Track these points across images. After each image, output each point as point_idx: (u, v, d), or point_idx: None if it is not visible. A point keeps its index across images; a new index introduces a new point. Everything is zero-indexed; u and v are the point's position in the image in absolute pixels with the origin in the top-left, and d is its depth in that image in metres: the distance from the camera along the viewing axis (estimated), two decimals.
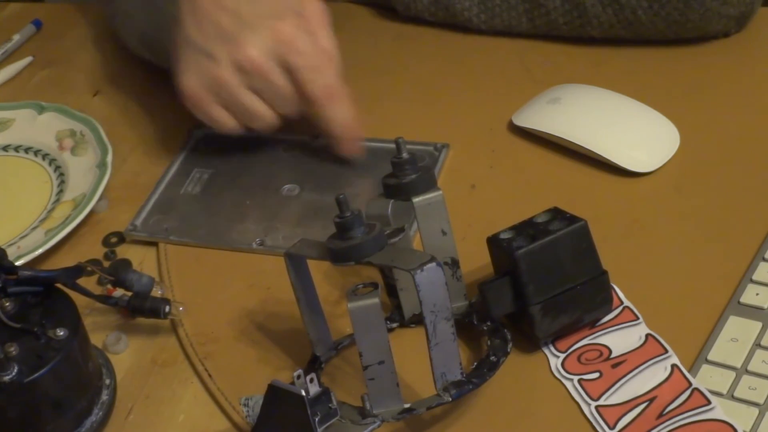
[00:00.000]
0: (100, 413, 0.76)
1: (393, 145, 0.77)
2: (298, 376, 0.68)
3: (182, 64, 0.90)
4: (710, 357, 0.74)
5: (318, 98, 0.89)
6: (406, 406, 0.70)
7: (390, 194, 0.78)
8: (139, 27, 0.98)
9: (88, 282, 0.83)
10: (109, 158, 0.95)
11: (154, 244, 0.90)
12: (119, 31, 1.04)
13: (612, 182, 0.89)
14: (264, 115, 0.90)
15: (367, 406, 0.70)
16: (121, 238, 0.91)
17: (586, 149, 0.90)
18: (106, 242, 0.91)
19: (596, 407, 0.72)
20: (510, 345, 0.75)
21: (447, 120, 0.98)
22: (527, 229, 0.76)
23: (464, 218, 0.85)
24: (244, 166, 0.95)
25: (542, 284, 0.74)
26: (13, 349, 0.71)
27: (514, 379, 0.75)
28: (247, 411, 0.72)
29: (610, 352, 0.76)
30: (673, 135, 0.91)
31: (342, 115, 0.90)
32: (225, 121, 0.91)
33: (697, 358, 0.74)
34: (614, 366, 0.75)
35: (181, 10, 0.90)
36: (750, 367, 0.73)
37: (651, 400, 0.72)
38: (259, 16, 0.88)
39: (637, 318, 0.78)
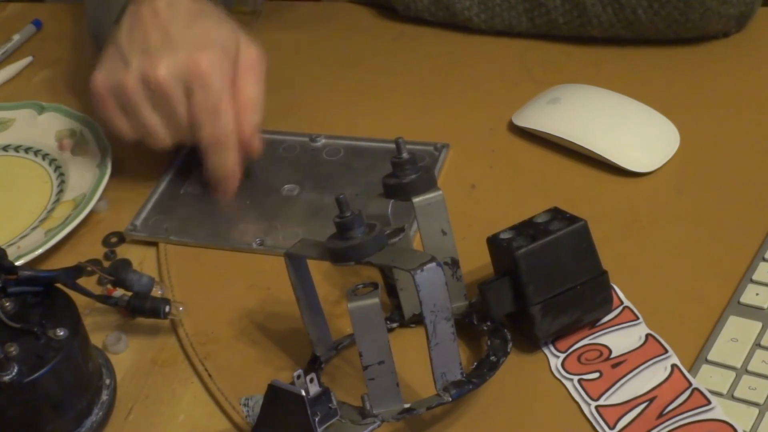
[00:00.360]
0: (100, 413, 0.76)
1: (393, 145, 0.77)
2: (298, 376, 0.68)
3: (102, 60, 0.91)
4: (710, 357, 0.74)
5: (203, 141, 0.88)
6: (406, 406, 0.70)
7: (390, 194, 0.78)
8: (92, 23, 1.00)
9: (88, 282, 0.83)
10: (109, 158, 0.95)
11: (154, 244, 0.90)
12: (87, 20, 1.05)
13: (612, 182, 0.89)
14: (157, 132, 0.89)
15: (367, 406, 0.70)
16: (121, 238, 0.91)
17: (586, 149, 0.90)
18: (106, 242, 0.91)
19: (596, 407, 0.72)
20: (510, 345, 0.75)
21: (447, 120, 0.98)
22: (527, 229, 0.76)
23: (464, 218, 0.85)
24: (243, 166, 0.95)
25: (542, 284, 0.74)
26: (13, 349, 0.71)
27: (514, 379, 0.75)
28: (247, 411, 0.72)
29: (610, 352, 0.76)
30: (673, 135, 0.91)
31: (219, 166, 0.89)
32: (120, 126, 0.90)
33: (697, 358, 0.74)
34: (614, 366, 0.75)
35: (125, 13, 0.91)
36: (750, 367, 0.73)
37: (651, 400, 0.72)
38: (185, 41, 0.88)
39: (637, 318, 0.78)
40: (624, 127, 0.91)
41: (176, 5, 0.90)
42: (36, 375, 0.71)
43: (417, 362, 0.73)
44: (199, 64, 0.86)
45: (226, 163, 0.89)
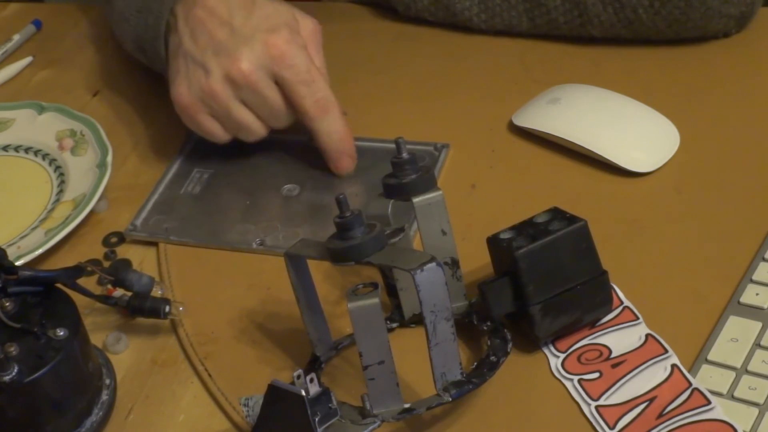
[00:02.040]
0: (100, 413, 0.76)
1: (393, 145, 0.77)
2: (298, 376, 0.68)
3: (175, 73, 0.91)
4: (710, 357, 0.74)
5: (309, 111, 0.89)
6: (406, 406, 0.70)
7: (390, 194, 0.78)
8: (133, 31, 0.99)
9: (88, 282, 0.83)
10: (109, 158, 0.95)
11: (154, 244, 0.90)
12: (115, 32, 1.05)
13: (612, 182, 0.89)
14: (254, 127, 0.91)
15: (367, 406, 0.70)
16: (121, 238, 0.91)
17: (586, 149, 0.90)
18: (106, 242, 0.91)
19: (596, 407, 0.72)
20: (510, 345, 0.75)
21: (447, 120, 0.98)
22: (527, 229, 0.76)
23: (464, 218, 0.85)
24: (244, 166, 0.95)
25: (542, 284, 0.74)
26: (13, 349, 0.71)
27: (514, 379, 0.75)
28: (247, 411, 0.72)
29: (610, 352, 0.76)
30: (673, 135, 0.91)
31: (333, 128, 0.90)
32: (215, 131, 0.91)
33: (697, 358, 0.74)
34: (614, 366, 0.75)
35: (176, 18, 0.91)
36: (750, 367, 0.73)
37: (651, 400, 0.72)
38: (252, 29, 0.88)
39: (637, 318, 0.78)
40: (624, 127, 0.91)
41: None
42: (36, 375, 0.71)
43: (417, 362, 0.73)
44: (278, 46, 0.87)
45: (339, 126, 0.90)
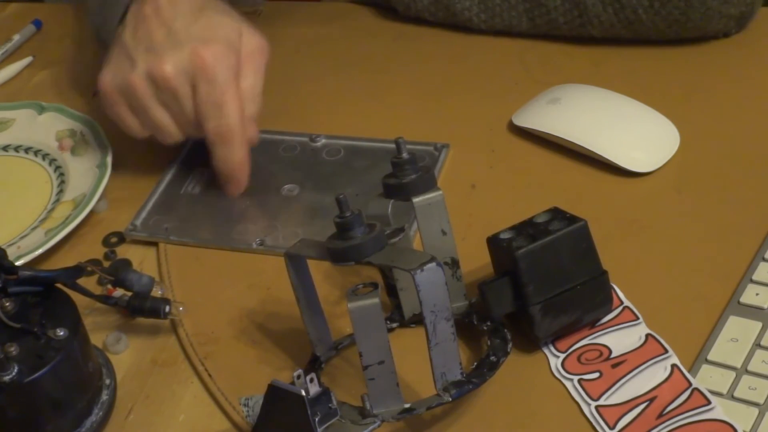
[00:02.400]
0: (100, 413, 0.76)
1: (393, 145, 0.77)
2: (298, 376, 0.68)
3: (108, 60, 0.91)
4: (710, 357, 0.74)
5: (208, 135, 0.89)
6: (406, 406, 0.70)
7: (390, 194, 0.78)
8: (95, 25, 1.00)
9: (88, 282, 0.83)
10: (109, 158, 0.95)
11: (154, 244, 0.90)
12: (89, 20, 1.05)
13: (612, 182, 0.89)
14: (169, 129, 0.90)
15: (367, 406, 0.70)
16: (121, 238, 0.91)
17: (586, 149, 0.90)
18: (106, 242, 0.91)
19: (596, 407, 0.72)
20: (510, 345, 0.75)
21: (447, 120, 0.98)
22: (527, 229, 0.76)
23: (464, 218, 0.85)
24: None
25: (542, 284, 0.74)
26: (13, 349, 0.71)
27: (514, 379, 0.75)
28: (247, 411, 0.72)
29: (610, 352, 0.76)
30: (673, 135, 0.91)
31: (226, 159, 0.89)
32: (130, 123, 0.91)
33: (697, 358, 0.74)
34: (614, 366, 0.75)
35: (129, 11, 0.92)
36: (750, 367, 0.73)
37: (651, 400, 0.72)
38: (189, 36, 0.88)
39: (637, 318, 0.78)
40: (624, 127, 0.91)
41: (178, 2, 0.90)
42: (36, 375, 0.71)
43: (417, 362, 0.73)
44: (204, 58, 0.87)
45: (234, 157, 0.89)
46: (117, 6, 0.94)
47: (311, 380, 0.67)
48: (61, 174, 0.97)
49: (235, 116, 0.88)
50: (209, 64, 0.87)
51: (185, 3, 0.90)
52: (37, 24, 1.18)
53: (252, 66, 0.89)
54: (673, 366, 0.74)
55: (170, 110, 0.89)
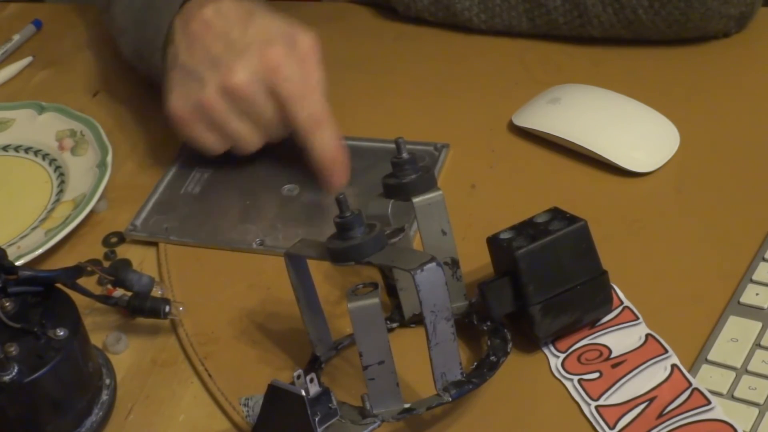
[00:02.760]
0: (100, 413, 0.76)
1: (393, 145, 0.77)
2: (298, 376, 0.68)
3: (171, 85, 0.90)
4: (710, 357, 0.74)
5: (302, 126, 0.88)
6: (406, 406, 0.70)
7: (390, 194, 0.78)
8: (132, 43, 0.99)
9: (88, 282, 0.83)
10: (109, 158, 0.95)
11: (154, 244, 0.90)
12: (114, 40, 1.05)
13: (612, 182, 0.89)
14: (249, 138, 0.90)
15: (367, 406, 0.70)
16: (121, 238, 0.91)
17: (586, 149, 0.90)
18: (106, 242, 0.91)
19: (596, 407, 0.72)
20: (510, 345, 0.75)
21: (447, 120, 0.98)
22: (527, 229, 0.76)
23: (464, 218, 0.85)
24: (244, 166, 0.95)
25: (542, 284, 0.74)
26: (13, 349, 0.71)
27: (514, 379, 0.75)
28: (247, 411, 0.72)
29: (610, 352, 0.76)
30: (673, 135, 0.91)
31: (326, 144, 0.89)
32: (210, 143, 0.91)
33: (697, 358, 0.74)
34: (614, 366, 0.75)
35: (173, 31, 0.91)
36: (750, 367, 0.73)
37: (651, 400, 0.72)
38: (249, 42, 0.88)
39: (637, 318, 0.78)
40: (624, 127, 0.91)
41: (224, 11, 0.90)
42: (36, 375, 0.71)
43: (417, 362, 0.73)
44: (271, 59, 0.87)
45: (332, 140, 0.89)
46: (158, 26, 0.93)
47: (311, 380, 0.67)
48: (61, 174, 0.97)
49: (322, 101, 0.88)
50: (279, 62, 0.87)
51: (233, 12, 0.90)
52: (37, 24, 1.18)
53: (313, 60, 0.90)
54: (673, 366, 0.74)
55: (250, 118, 0.89)
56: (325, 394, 0.68)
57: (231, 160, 0.94)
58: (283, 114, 0.88)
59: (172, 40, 0.91)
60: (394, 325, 0.80)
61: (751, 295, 0.77)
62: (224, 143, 0.91)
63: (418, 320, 0.77)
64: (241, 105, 0.88)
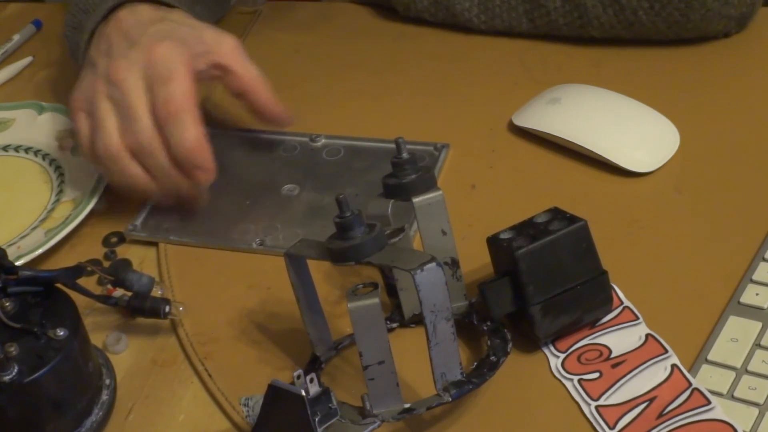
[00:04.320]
0: (100, 413, 0.76)
1: (393, 145, 0.77)
2: (298, 376, 0.68)
3: (79, 79, 0.91)
4: (710, 357, 0.74)
5: (159, 111, 0.85)
6: (406, 406, 0.70)
7: (390, 194, 0.78)
8: (69, 48, 1.00)
9: (88, 282, 0.83)
10: None
11: (154, 244, 0.90)
12: None
13: (612, 182, 0.89)
14: (108, 127, 0.86)
15: (367, 406, 0.70)
16: (121, 238, 0.91)
17: (586, 149, 0.90)
18: (106, 242, 0.91)
19: (596, 407, 0.72)
20: (510, 345, 0.75)
21: (447, 120, 0.98)
22: (527, 229, 0.76)
23: (464, 218, 0.85)
24: (244, 166, 0.95)
25: (542, 284, 0.74)
26: (13, 349, 0.71)
27: (514, 379, 0.75)
28: (247, 411, 0.72)
29: (610, 352, 0.76)
30: (673, 135, 0.91)
31: (182, 136, 0.84)
32: (80, 127, 0.89)
33: (697, 358, 0.74)
34: (614, 366, 0.75)
35: (94, 33, 0.92)
36: (750, 367, 0.73)
37: (651, 400, 0.72)
38: (145, 36, 0.88)
39: (637, 318, 0.78)
40: (624, 127, 0.91)
41: (138, 12, 0.91)
42: (36, 375, 0.71)
43: (417, 362, 0.73)
44: (156, 52, 0.86)
45: (188, 132, 0.84)
46: (84, 30, 0.94)
47: (311, 380, 0.67)
48: (61, 174, 0.97)
49: (187, 90, 0.85)
50: (160, 56, 0.86)
51: (145, 13, 0.91)
52: (37, 24, 1.18)
53: (240, 60, 0.89)
54: (673, 366, 0.74)
55: (117, 106, 0.86)
56: (325, 394, 0.68)
57: (233, 156, 0.94)
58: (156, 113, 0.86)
59: (90, 44, 0.92)
60: (394, 325, 0.80)
61: (751, 295, 0.77)
62: (94, 135, 0.88)
63: (418, 320, 0.77)
64: (113, 90, 0.87)
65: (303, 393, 0.67)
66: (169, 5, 0.93)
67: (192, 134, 0.85)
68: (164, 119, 0.85)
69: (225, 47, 0.89)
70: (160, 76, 0.85)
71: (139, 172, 0.87)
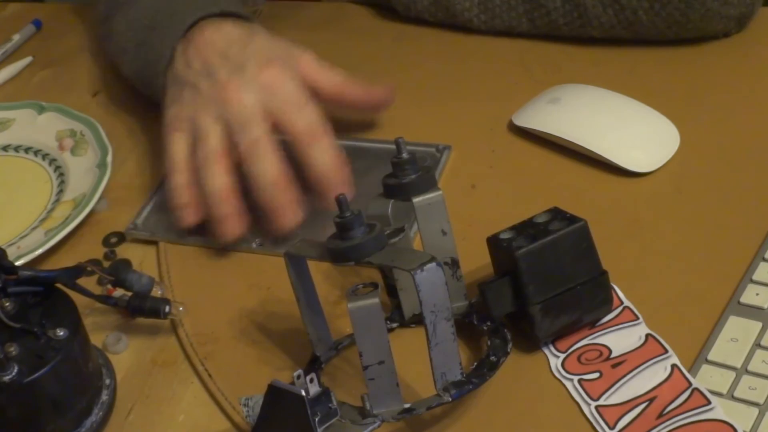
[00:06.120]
0: (100, 413, 0.76)
1: (393, 146, 0.77)
2: (298, 376, 0.68)
3: (168, 101, 0.91)
4: (710, 357, 0.74)
5: (299, 139, 0.86)
6: (406, 406, 0.70)
7: (390, 194, 0.78)
8: (133, 64, 0.99)
9: (88, 282, 0.83)
10: (109, 158, 0.95)
11: (154, 244, 0.90)
12: (113, 57, 1.04)
13: (612, 182, 0.89)
14: (212, 141, 0.86)
15: (367, 406, 0.70)
16: (121, 238, 0.91)
17: (586, 149, 0.90)
18: (106, 242, 0.91)
19: (596, 407, 0.72)
20: (510, 345, 0.75)
21: (447, 120, 0.98)
22: (527, 229, 0.76)
23: (464, 218, 0.85)
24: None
25: (542, 284, 0.74)
26: (13, 349, 0.71)
27: (514, 379, 0.75)
28: (247, 411, 0.72)
29: (610, 352, 0.76)
30: (673, 135, 0.91)
31: (323, 157, 0.86)
32: (175, 146, 0.88)
33: (697, 358, 0.74)
34: (614, 366, 0.75)
35: (176, 53, 0.92)
36: (750, 367, 0.73)
37: (651, 400, 0.72)
38: (247, 58, 0.88)
39: (637, 318, 0.78)
40: (624, 127, 0.91)
41: (225, 31, 0.91)
42: (36, 375, 0.71)
43: (417, 362, 0.73)
44: (268, 76, 0.87)
45: (329, 153, 0.86)
46: (161, 50, 0.93)
47: (311, 380, 0.67)
48: (61, 174, 0.97)
49: (317, 114, 0.87)
50: (276, 80, 0.87)
51: (234, 32, 0.91)
52: (37, 24, 1.18)
53: (320, 70, 0.90)
54: (673, 366, 0.74)
55: (229, 124, 0.86)
56: (325, 394, 0.68)
57: None
58: (277, 128, 0.86)
59: (172, 61, 0.92)
60: (394, 325, 0.80)
61: (751, 295, 0.77)
62: (196, 147, 0.87)
63: (418, 320, 0.77)
64: (226, 113, 0.86)
65: (303, 393, 0.67)
66: (245, 18, 0.93)
67: (335, 153, 0.86)
68: (305, 143, 0.86)
69: (309, 62, 0.90)
70: (289, 108, 0.86)
71: (227, 181, 0.86)
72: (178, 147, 0.88)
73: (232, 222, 0.86)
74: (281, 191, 0.85)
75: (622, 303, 0.79)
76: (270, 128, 0.86)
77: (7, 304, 0.74)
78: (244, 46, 0.89)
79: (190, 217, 0.88)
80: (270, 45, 0.90)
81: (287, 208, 0.85)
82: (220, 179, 0.86)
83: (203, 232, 0.90)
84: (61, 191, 0.95)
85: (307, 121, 0.87)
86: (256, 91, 0.87)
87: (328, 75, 0.91)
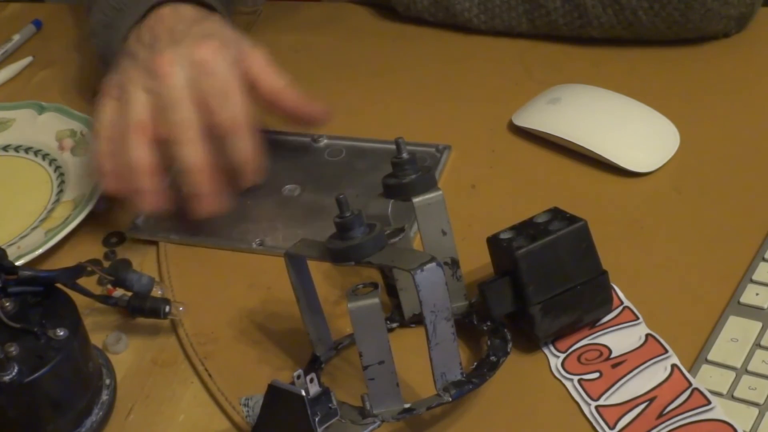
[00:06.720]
0: (100, 413, 0.76)
1: (393, 146, 0.77)
2: (298, 376, 0.68)
3: (116, 68, 0.91)
4: (710, 357, 0.74)
5: (220, 127, 0.86)
6: (406, 406, 0.70)
7: (390, 194, 0.78)
8: (99, 48, 0.99)
9: (88, 282, 0.83)
10: None
11: (154, 244, 0.90)
12: (92, 47, 1.05)
13: (612, 182, 0.89)
14: (137, 110, 0.86)
15: (367, 406, 0.70)
16: (121, 238, 0.91)
17: (586, 149, 0.90)
18: (106, 242, 0.91)
19: (596, 407, 0.72)
20: (510, 345, 0.75)
21: (447, 120, 0.98)
22: (527, 229, 0.76)
23: (464, 218, 0.85)
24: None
25: (542, 284, 0.74)
26: (13, 349, 0.71)
27: (514, 379, 0.75)
28: (247, 411, 0.72)
29: (610, 352, 0.76)
30: (673, 135, 0.91)
31: (242, 149, 0.86)
32: (103, 111, 0.88)
33: (697, 358, 0.74)
34: (614, 366, 0.75)
35: (132, 30, 0.92)
36: (750, 367, 0.73)
37: (651, 400, 0.72)
38: (188, 35, 0.88)
39: (637, 318, 0.78)
40: (624, 127, 0.91)
41: (180, 11, 0.91)
42: (36, 375, 0.71)
43: (417, 362, 0.73)
44: (202, 50, 0.86)
45: (248, 146, 0.86)
46: (120, 29, 0.94)
47: (311, 380, 0.67)
48: (61, 174, 0.97)
49: (244, 104, 0.86)
50: (209, 56, 0.86)
51: (188, 13, 0.91)
52: (37, 24, 1.18)
53: (270, 71, 0.89)
54: (673, 366, 0.74)
55: (157, 99, 0.86)
56: (325, 394, 0.68)
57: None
58: (200, 110, 0.86)
59: (128, 40, 0.92)
60: (394, 325, 0.80)
61: (751, 295, 0.77)
62: (120, 114, 0.87)
63: (418, 320, 0.77)
64: (154, 85, 0.86)
65: (303, 393, 0.67)
66: (210, 7, 0.94)
67: (252, 145, 0.86)
68: (227, 133, 0.86)
69: (257, 58, 0.89)
70: (214, 91, 0.86)
71: (148, 155, 0.86)
72: (105, 112, 0.88)
73: (149, 198, 0.86)
74: (203, 178, 0.85)
75: (622, 303, 0.79)
76: (196, 110, 0.86)
77: (7, 304, 0.74)
78: (192, 25, 0.89)
79: (110, 185, 0.87)
80: (219, 28, 0.90)
81: (208, 196, 0.86)
82: (138, 152, 0.86)
83: (203, 232, 0.90)
84: (61, 191, 0.95)
85: (231, 113, 0.86)
86: (187, 67, 0.86)
87: (271, 76, 0.90)
